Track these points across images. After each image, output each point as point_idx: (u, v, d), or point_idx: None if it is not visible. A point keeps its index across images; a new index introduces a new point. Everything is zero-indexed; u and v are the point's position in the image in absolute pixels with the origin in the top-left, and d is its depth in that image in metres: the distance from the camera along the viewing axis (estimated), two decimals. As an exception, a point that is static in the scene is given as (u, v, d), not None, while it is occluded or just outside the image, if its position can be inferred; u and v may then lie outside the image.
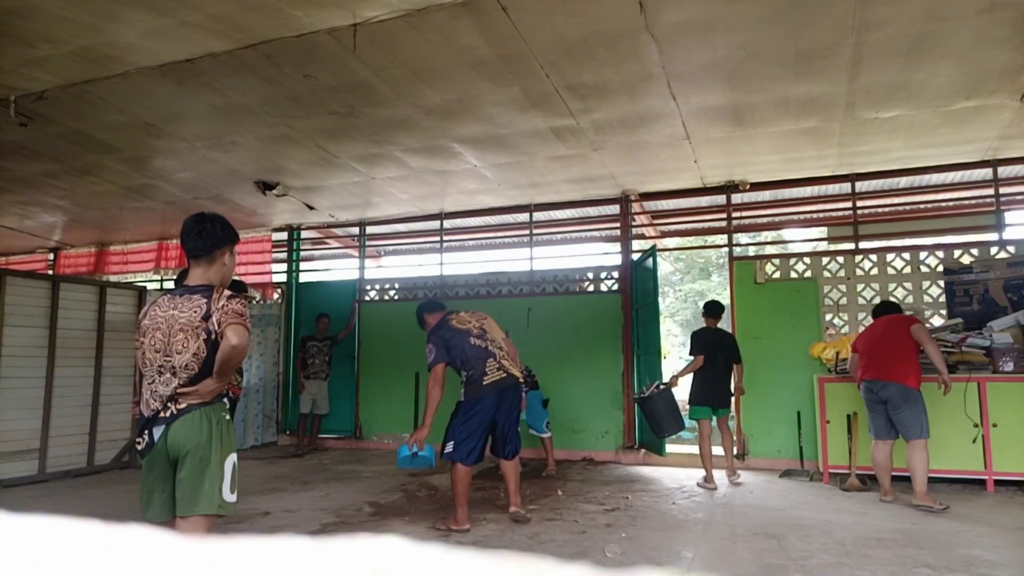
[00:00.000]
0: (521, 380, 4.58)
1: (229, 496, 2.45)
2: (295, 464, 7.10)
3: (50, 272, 10.22)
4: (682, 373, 5.98)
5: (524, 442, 5.10)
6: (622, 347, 7.25)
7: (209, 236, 2.56)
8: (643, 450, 6.90)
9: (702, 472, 5.77)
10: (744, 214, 7.44)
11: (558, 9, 3.77)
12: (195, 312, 2.45)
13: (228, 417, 2.57)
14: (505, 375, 4.41)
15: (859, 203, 6.83)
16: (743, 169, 6.60)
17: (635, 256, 7.48)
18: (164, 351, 2.45)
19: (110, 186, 7.07)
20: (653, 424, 5.80)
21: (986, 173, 6.51)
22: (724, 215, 7.22)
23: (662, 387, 5.77)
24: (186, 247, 2.58)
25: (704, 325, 6.06)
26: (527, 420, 6.21)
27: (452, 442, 4.26)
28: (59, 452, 6.31)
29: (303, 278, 9.29)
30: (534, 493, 5.35)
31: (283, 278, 9.18)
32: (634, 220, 7.73)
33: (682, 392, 6.55)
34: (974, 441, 5.32)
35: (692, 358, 5.93)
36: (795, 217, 7.98)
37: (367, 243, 9.05)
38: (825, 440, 5.74)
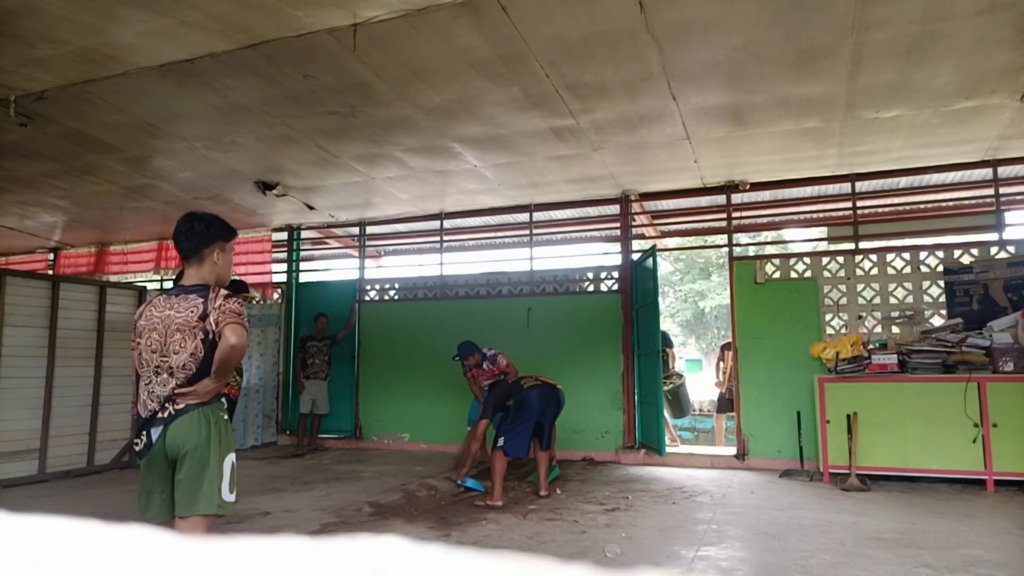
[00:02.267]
0: (559, 386, 5.43)
1: (228, 496, 2.45)
2: (295, 464, 7.10)
3: (50, 272, 10.21)
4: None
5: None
6: (622, 347, 7.25)
7: (196, 235, 2.55)
8: (643, 450, 6.90)
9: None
10: (744, 214, 7.43)
11: (558, 9, 3.77)
12: (192, 312, 2.45)
13: (226, 417, 2.56)
14: (541, 382, 5.34)
15: (859, 203, 6.82)
16: (743, 169, 6.60)
17: (635, 256, 7.48)
18: (161, 351, 2.45)
19: (110, 186, 7.07)
20: (675, 409, 7.63)
21: (986, 173, 6.50)
22: (724, 215, 7.21)
23: (679, 382, 7.47)
24: (178, 247, 2.58)
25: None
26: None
27: (503, 437, 5.02)
28: (59, 452, 6.31)
29: (303, 278, 9.29)
30: (534, 493, 5.35)
31: (283, 278, 9.17)
32: (634, 220, 7.73)
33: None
34: (974, 441, 5.32)
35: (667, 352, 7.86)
36: (795, 217, 7.98)
37: (367, 243, 9.05)
38: (825, 440, 5.74)
